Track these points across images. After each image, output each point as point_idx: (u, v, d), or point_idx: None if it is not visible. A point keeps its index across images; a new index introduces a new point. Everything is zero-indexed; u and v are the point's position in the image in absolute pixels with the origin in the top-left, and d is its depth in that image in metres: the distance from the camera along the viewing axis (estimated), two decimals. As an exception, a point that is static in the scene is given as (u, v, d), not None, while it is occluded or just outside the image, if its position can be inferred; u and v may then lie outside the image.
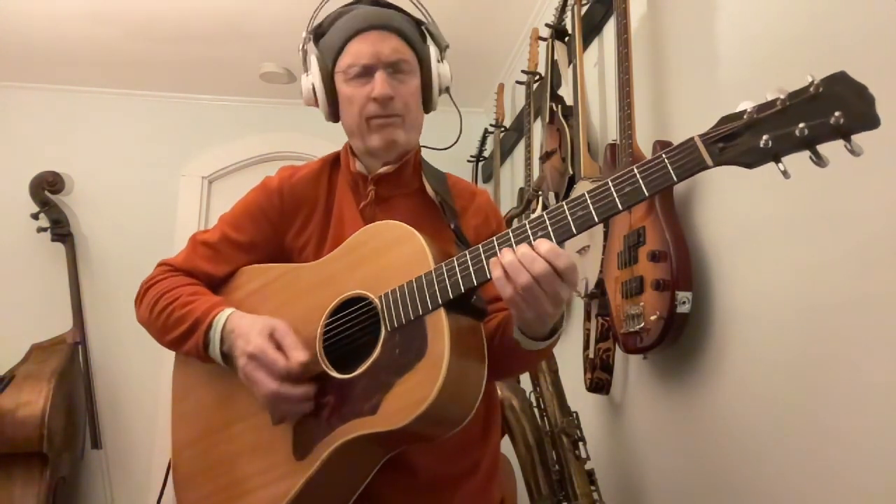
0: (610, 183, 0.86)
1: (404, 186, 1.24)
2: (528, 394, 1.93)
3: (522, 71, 2.68)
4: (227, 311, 1.12)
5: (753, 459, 1.32)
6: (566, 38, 2.32)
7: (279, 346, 1.05)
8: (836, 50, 1.15)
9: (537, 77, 2.60)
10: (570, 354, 2.04)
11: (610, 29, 2.06)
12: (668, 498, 1.66)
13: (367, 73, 1.15)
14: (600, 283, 1.76)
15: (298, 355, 1.04)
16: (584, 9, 2.17)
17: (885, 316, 1.03)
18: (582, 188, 1.94)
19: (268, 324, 1.08)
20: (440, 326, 0.96)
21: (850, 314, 1.10)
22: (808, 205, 1.19)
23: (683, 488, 1.58)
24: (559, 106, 2.29)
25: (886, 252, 1.04)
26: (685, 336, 1.49)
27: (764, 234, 1.32)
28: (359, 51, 1.16)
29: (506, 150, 3.23)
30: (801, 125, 0.74)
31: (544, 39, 2.44)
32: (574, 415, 1.85)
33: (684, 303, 1.43)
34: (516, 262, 0.90)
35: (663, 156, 0.83)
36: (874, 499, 1.04)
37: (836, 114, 0.72)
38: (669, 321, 1.43)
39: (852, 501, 1.08)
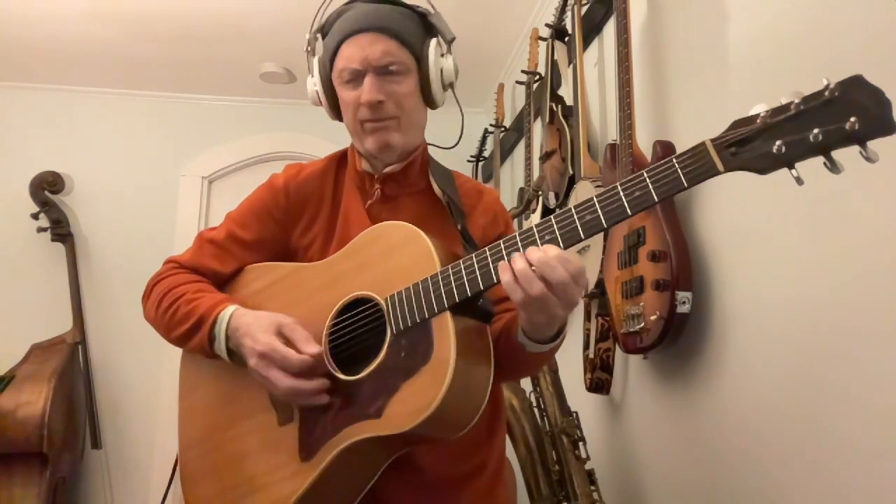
0: (619, 187, 0.85)
1: (411, 185, 1.23)
2: (528, 394, 1.93)
3: (522, 71, 2.68)
4: (231, 307, 1.12)
5: (753, 459, 1.32)
6: (566, 38, 2.32)
7: (288, 342, 1.05)
8: (838, 50, 1.15)
9: (537, 77, 2.60)
10: (570, 354, 2.04)
11: (610, 29, 2.06)
12: (668, 498, 1.66)
13: (358, 77, 1.15)
14: (600, 283, 1.76)
15: (310, 348, 1.04)
16: (584, 9, 2.17)
17: (885, 315, 1.03)
18: (582, 188, 1.94)
19: (274, 320, 1.07)
20: (446, 330, 0.95)
21: (850, 313, 1.10)
22: (809, 205, 1.19)
23: (683, 488, 1.58)
24: (559, 106, 2.29)
25: (887, 251, 1.04)
26: (685, 336, 1.49)
27: (764, 234, 1.32)
28: (350, 55, 1.15)
29: (506, 150, 3.23)
30: (816, 130, 0.72)
31: (544, 39, 2.44)
32: (574, 415, 1.85)
33: (684, 303, 1.43)
34: (528, 270, 0.89)
35: (674, 160, 0.82)
36: (875, 498, 1.04)
37: (852, 119, 0.70)
38: (669, 321, 1.43)
39: (853, 501, 1.08)
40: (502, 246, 0.94)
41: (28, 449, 2.72)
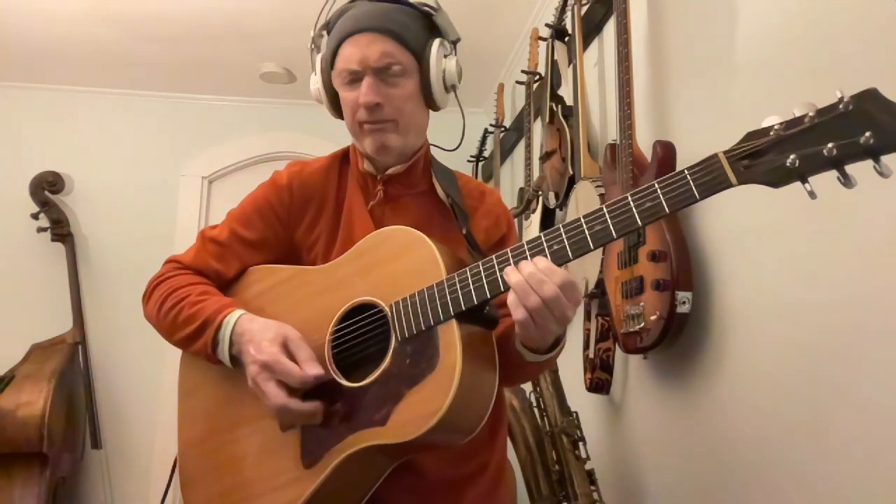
0: (630, 198, 0.84)
1: (414, 186, 1.23)
2: (528, 394, 1.93)
3: (522, 71, 2.68)
4: (237, 312, 1.11)
5: (753, 459, 1.32)
6: (566, 38, 2.32)
7: (292, 357, 1.03)
8: (838, 51, 1.15)
9: (537, 77, 2.60)
10: (570, 354, 2.04)
11: (610, 29, 2.06)
12: (668, 498, 1.66)
13: (356, 78, 1.14)
14: (600, 283, 1.76)
15: (313, 369, 1.02)
16: (584, 9, 2.17)
17: (885, 315, 1.03)
18: (582, 188, 1.94)
19: (280, 332, 1.06)
20: (452, 337, 0.95)
21: (851, 313, 1.10)
22: (809, 205, 1.18)
23: (683, 488, 1.58)
24: (559, 106, 2.29)
25: (887, 251, 1.04)
26: (685, 336, 1.48)
27: (764, 234, 1.32)
28: (348, 56, 1.13)
29: (506, 150, 3.23)
30: (830, 145, 0.71)
31: (544, 39, 2.44)
32: (574, 415, 1.85)
33: (684, 303, 1.43)
34: (525, 284, 0.90)
35: (686, 172, 0.81)
36: (875, 498, 1.04)
37: (867, 133, 0.69)
38: (669, 321, 1.43)
39: (853, 501, 1.08)
40: (510, 255, 0.94)
41: (28, 449, 2.72)
